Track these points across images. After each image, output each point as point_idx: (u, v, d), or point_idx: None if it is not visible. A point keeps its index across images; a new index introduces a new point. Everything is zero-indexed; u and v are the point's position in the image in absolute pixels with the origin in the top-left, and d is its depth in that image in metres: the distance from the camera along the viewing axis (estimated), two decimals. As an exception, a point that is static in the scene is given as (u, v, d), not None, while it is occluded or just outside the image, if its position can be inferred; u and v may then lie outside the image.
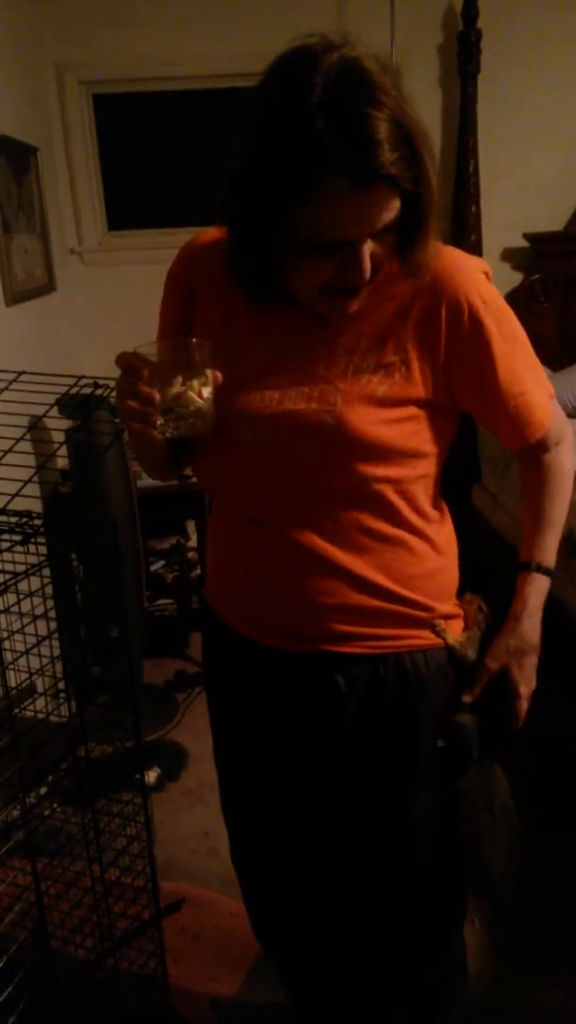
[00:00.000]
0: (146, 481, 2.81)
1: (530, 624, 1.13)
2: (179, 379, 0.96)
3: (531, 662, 1.13)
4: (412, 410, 1.01)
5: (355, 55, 0.88)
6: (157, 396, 0.94)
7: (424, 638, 1.09)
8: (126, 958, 1.56)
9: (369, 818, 1.15)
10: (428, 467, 1.06)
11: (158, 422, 0.96)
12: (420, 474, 1.05)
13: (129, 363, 0.95)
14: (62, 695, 1.54)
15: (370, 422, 0.98)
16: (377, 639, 1.07)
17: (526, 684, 1.13)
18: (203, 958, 1.77)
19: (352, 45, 0.89)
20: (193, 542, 3.11)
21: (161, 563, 3.07)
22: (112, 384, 1.55)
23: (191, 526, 3.14)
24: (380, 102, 0.84)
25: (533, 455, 1.13)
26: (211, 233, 1.11)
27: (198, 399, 0.96)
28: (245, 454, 1.04)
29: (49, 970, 1.43)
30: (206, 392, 0.96)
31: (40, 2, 2.86)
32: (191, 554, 3.10)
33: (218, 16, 2.99)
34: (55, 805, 1.83)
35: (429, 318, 1.00)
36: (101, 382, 1.56)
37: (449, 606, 1.13)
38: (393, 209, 0.88)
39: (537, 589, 1.14)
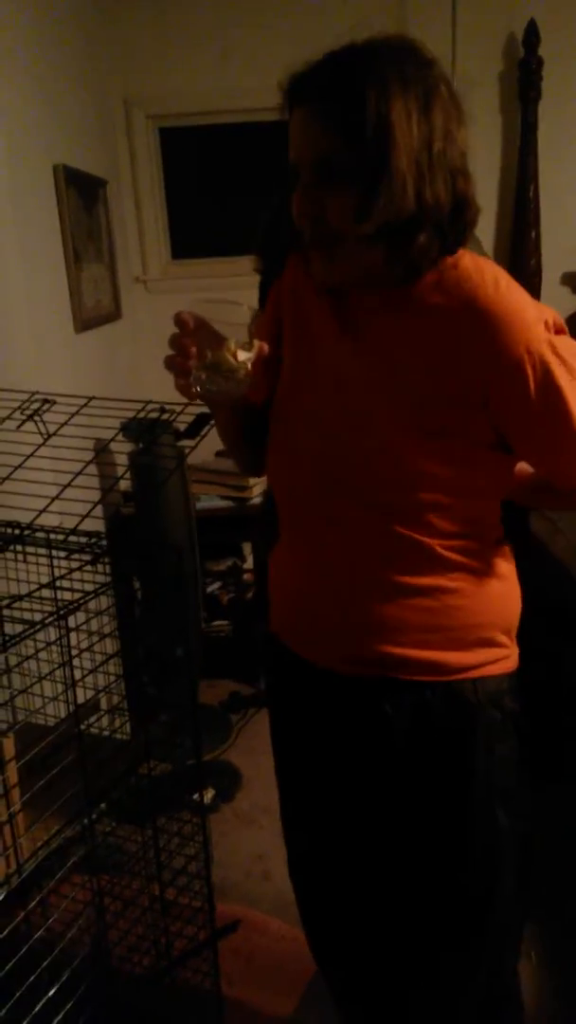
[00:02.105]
0: (204, 503, 2.86)
1: None
2: (221, 339, 0.96)
3: None
4: (459, 444, 1.01)
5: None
6: (194, 349, 0.96)
7: (477, 667, 1.08)
8: (181, 977, 1.57)
9: (422, 841, 1.14)
10: (482, 496, 1.06)
11: (190, 377, 0.98)
12: (472, 501, 1.04)
13: (178, 317, 0.98)
14: (124, 713, 1.57)
15: (414, 452, 0.99)
16: (427, 667, 1.06)
17: None
18: (256, 981, 1.77)
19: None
20: (249, 564, 3.14)
21: (217, 584, 3.10)
22: (177, 408, 1.60)
23: (247, 548, 3.17)
24: (346, 54, 0.97)
25: None
26: None
27: (232, 360, 0.95)
28: (309, 458, 1.08)
29: (109, 987, 1.45)
30: (242, 355, 0.96)
31: (109, 40, 2.97)
32: (247, 576, 3.13)
33: (279, 51, 3.04)
34: (112, 823, 1.85)
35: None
36: (167, 407, 1.60)
37: (506, 636, 1.11)
38: (327, 142, 0.94)
39: None
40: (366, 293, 1.05)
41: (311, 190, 0.98)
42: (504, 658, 1.10)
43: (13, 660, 1.17)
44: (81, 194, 2.47)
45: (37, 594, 1.16)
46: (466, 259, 1.01)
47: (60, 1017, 1.20)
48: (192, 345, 0.96)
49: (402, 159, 0.92)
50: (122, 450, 1.99)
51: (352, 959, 1.30)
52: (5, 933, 1.15)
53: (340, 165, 0.95)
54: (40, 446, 1.50)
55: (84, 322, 2.42)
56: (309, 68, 1.00)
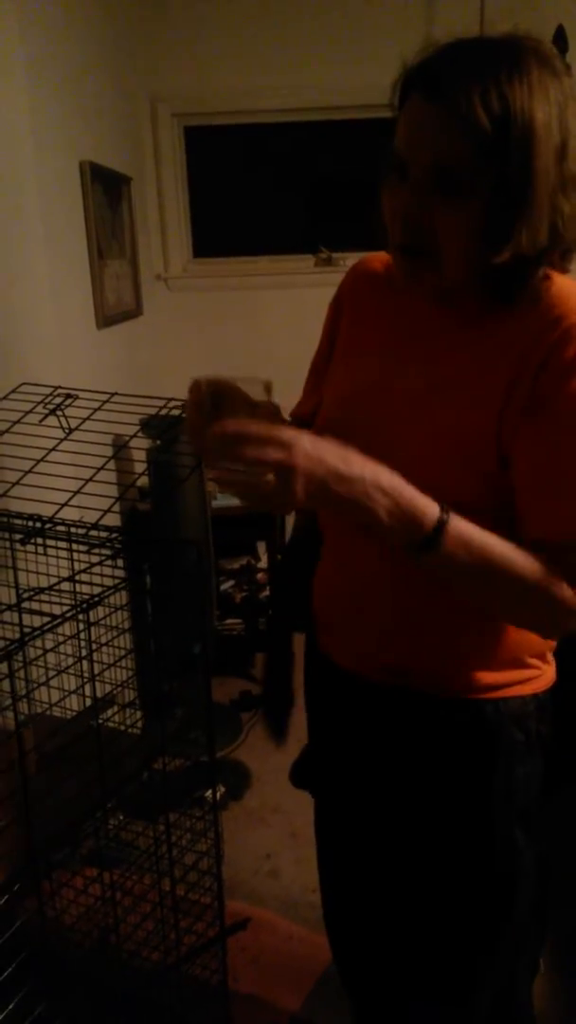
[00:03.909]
0: (220, 502, 2.86)
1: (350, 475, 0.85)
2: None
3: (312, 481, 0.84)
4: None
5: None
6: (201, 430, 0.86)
7: (501, 687, 1.06)
8: (190, 973, 1.57)
9: (440, 853, 1.13)
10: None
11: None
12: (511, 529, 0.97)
13: (191, 390, 0.93)
14: (137, 708, 1.58)
15: (450, 481, 0.93)
16: (449, 683, 1.05)
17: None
18: (263, 979, 1.77)
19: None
20: (263, 563, 3.15)
21: (231, 583, 3.11)
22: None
23: (261, 547, 3.18)
24: (488, 46, 0.85)
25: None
26: (375, 253, 1.12)
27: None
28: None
29: (118, 980, 1.46)
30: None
31: (137, 38, 2.99)
32: (260, 575, 3.13)
33: (305, 51, 3.06)
34: (122, 817, 1.86)
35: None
36: (188, 405, 1.61)
37: (537, 658, 1.08)
38: (453, 147, 0.82)
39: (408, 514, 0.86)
40: (437, 305, 0.99)
41: (422, 195, 0.87)
42: (532, 679, 1.07)
43: (33, 652, 1.17)
44: (106, 191, 2.48)
45: (55, 588, 1.17)
46: (559, 283, 0.92)
47: (67, 1009, 1.21)
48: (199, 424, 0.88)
49: (544, 184, 0.83)
50: (140, 446, 2.00)
51: (370, 966, 1.30)
52: (17, 925, 1.16)
53: (465, 178, 0.84)
54: (62, 440, 1.51)
55: (106, 318, 2.43)
56: (441, 53, 0.86)
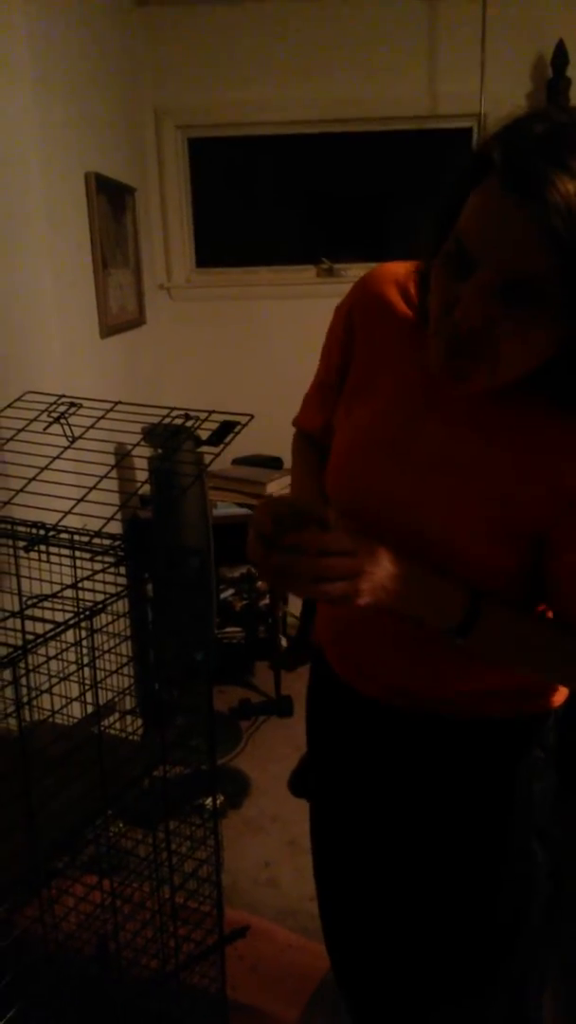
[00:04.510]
0: (221, 510, 2.87)
1: (411, 578, 0.90)
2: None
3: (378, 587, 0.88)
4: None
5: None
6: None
7: (520, 707, 1.05)
8: (187, 982, 1.57)
9: (454, 869, 1.12)
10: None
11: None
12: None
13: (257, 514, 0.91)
14: (137, 715, 1.58)
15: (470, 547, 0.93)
16: (469, 706, 1.04)
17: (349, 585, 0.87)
18: (261, 988, 1.77)
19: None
20: (263, 572, 3.15)
21: (231, 591, 3.11)
22: (201, 416, 1.61)
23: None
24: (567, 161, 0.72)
25: None
26: (387, 267, 1.07)
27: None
28: (363, 502, 1.01)
29: (117, 988, 1.46)
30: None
31: (143, 52, 3.02)
32: (260, 583, 3.14)
33: (309, 64, 3.09)
34: (121, 824, 1.86)
35: None
36: (192, 414, 1.62)
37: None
38: (534, 258, 0.74)
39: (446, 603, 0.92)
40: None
41: (486, 300, 0.79)
42: (551, 693, 1.07)
43: (36, 659, 1.18)
44: (111, 201, 2.50)
45: (58, 595, 1.17)
46: None
47: (67, 1017, 1.21)
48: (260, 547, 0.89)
49: None
50: (142, 454, 2.01)
51: (369, 977, 1.30)
52: (17, 933, 1.16)
53: (545, 295, 0.76)
54: (66, 448, 1.52)
55: (109, 328, 2.45)
56: (537, 143, 0.74)
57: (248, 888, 2.11)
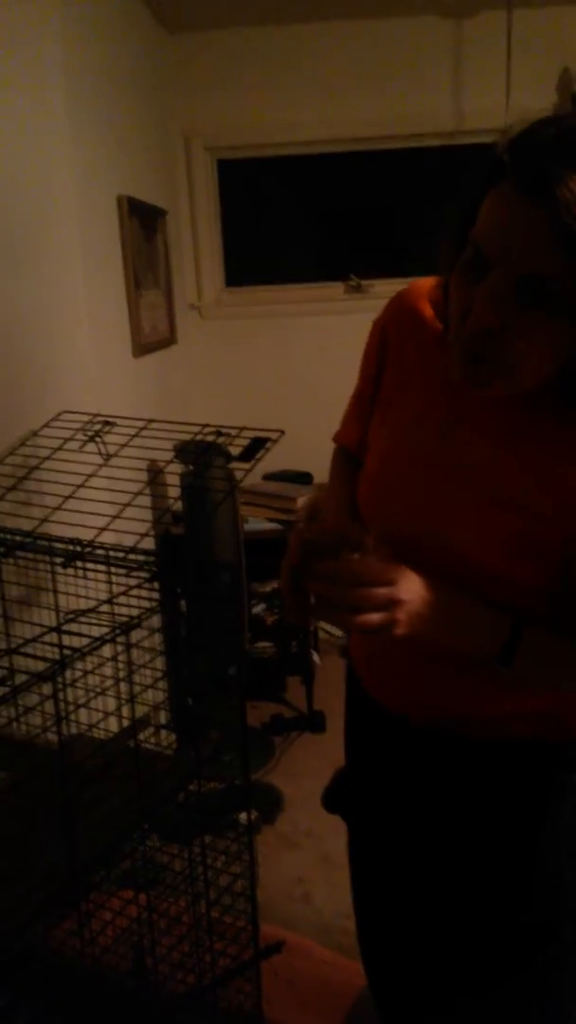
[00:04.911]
0: (252, 526, 2.89)
1: (449, 608, 0.90)
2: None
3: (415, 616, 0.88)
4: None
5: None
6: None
7: (553, 732, 1.04)
8: (223, 997, 1.57)
9: (483, 888, 1.11)
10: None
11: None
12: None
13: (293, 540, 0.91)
14: (171, 730, 1.59)
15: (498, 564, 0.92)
16: (500, 729, 1.03)
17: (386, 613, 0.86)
18: (296, 1004, 1.77)
19: None
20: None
21: (262, 606, 3.12)
22: (232, 432, 1.64)
23: (293, 571, 3.19)
24: None
25: None
26: (421, 282, 1.07)
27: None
28: (395, 520, 1.00)
29: (152, 1002, 1.47)
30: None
31: (173, 75, 3.08)
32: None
33: (335, 84, 3.13)
34: (155, 838, 1.87)
35: None
36: (223, 431, 1.64)
37: None
38: (547, 258, 0.74)
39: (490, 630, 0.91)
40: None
41: (499, 301, 0.79)
42: None
43: (72, 674, 1.20)
44: (142, 223, 2.55)
45: (96, 610, 1.19)
46: None
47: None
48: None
49: None
50: (173, 471, 2.04)
51: (405, 995, 1.29)
52: (55, 946, 1.17)
53: (559, 295, 0.76)
54: (101, 466, 1.55)
55: (142, 347, 2.49)
56: (548, 143, 0.75)
57: (282, 904, 2.10)
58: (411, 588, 0.86)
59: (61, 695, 1.16)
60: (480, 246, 0.80)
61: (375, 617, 0.84)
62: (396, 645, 1.05)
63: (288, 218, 3.40)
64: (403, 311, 1.08)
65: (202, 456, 1.99)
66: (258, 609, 3.12)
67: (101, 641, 1.08)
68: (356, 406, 1.22)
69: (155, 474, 1.86)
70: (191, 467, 2.20)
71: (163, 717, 1.61)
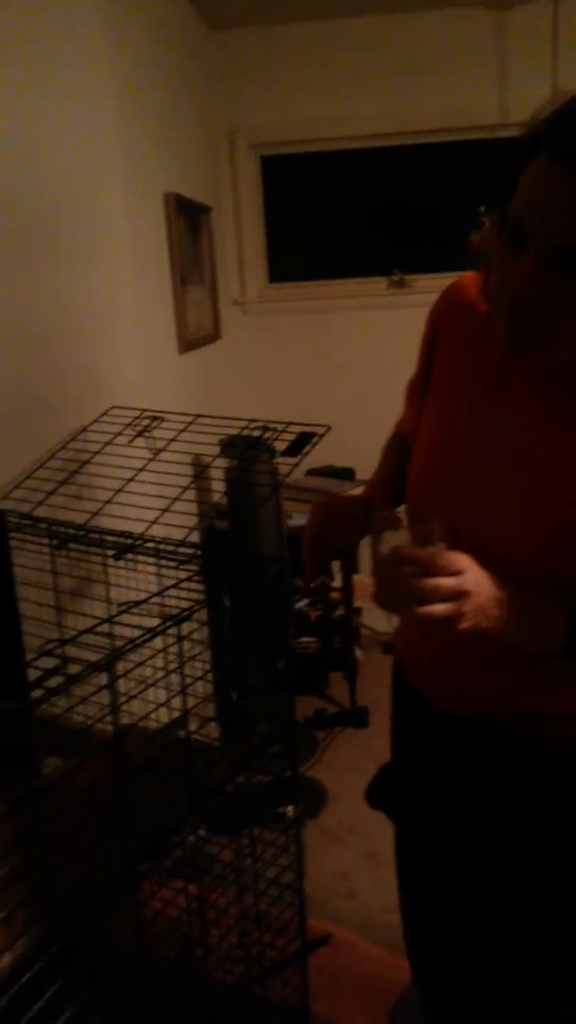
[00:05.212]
0: (295, 521, 2.89)
1: (512, 602, 0.89)
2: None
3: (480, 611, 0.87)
4: None
5: None
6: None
7: None
8: (270, 989, 1.58)
9: (515, 884, 1.11)
10: None
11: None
12: None
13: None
14: (217, 721, 1.61)
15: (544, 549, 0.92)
16: (534, 726, 1.03)
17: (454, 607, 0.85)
18: (341, 999, 1.77)
19: None
20: (337, 582, 3.16)
21: (305, 602, 3.13)
22: (279, 427, 1.64)
23: (335, 566, 3.19)
24: None
25: None
26: (471, 274, 1.08)
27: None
28: (443, 507, 1.00)
29: (202, 993, 1.48)
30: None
31: (218, 73, 3.10)
32: (334, 594, 3.14)
33: (378, 79, 3.12)
34: (202, 831, 1.89)
35: None
36: (270, 425, 1.65)
37: None
38: None
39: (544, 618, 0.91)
40: (540, 368, 0.93)
41: (541, 272, 0.81)
42: None
43: (123, 666, 1.21)
44: (188, 221, 2.56)
45: (148, 601, 1.21)
46: None
47: (153, 1020, 1.23)
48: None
49: None
50: (218, 465, 2.05)
51: (456, 991, 1.29)
52: (105, 935, 1.18)
53: None
54: (150, 460, 1.57)
55: (187, 343, 2.50)
56: None
57: (326, 898, 2.11)
58: (477, 580, 0.85)
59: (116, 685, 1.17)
60: (517, 220, 0.82)
61: (440, 608, 0.83)
62: (443, 641, 1.05)
63: (331, 213, 3.39)
64: (453, 302, 1.09)
65: (248, 451, 2.00)
66: (301, 604, 3.13)
67: (155, 632, 1.09)
68: (411, 395, 1.22)
69: (202, 469, 1.87)
70: (236, 462, 2.21)
71: (209, 710, 1.62)
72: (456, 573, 0.83)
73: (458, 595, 0.83)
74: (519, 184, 0.82)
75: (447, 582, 0.83)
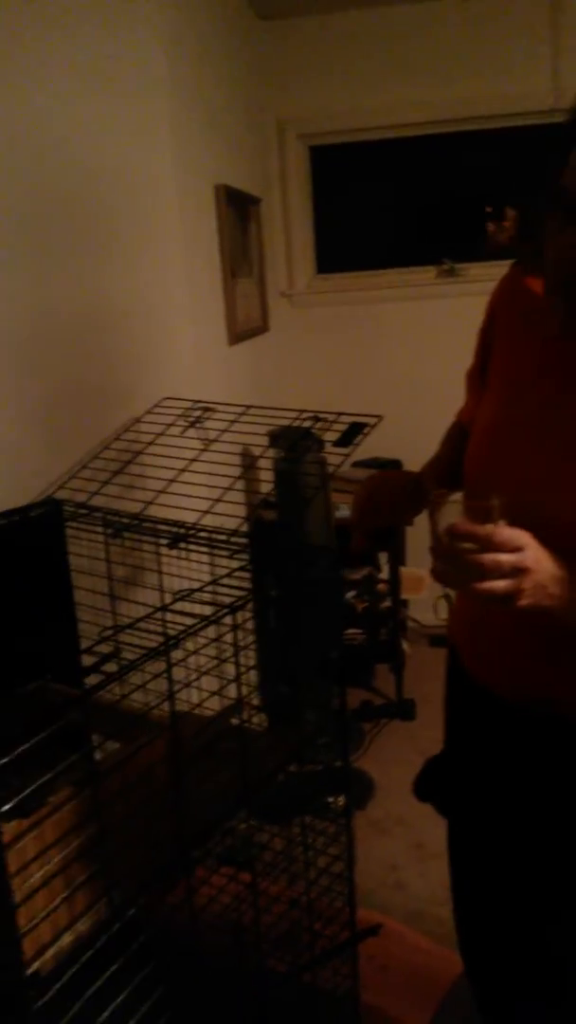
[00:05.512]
0: (343, 512, 2.89)
1: (572, 581, 0.89)
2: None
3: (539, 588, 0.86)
4: None
5: None
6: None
7: None
8: (320, 977, 1.59)
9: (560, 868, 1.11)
10: None
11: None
12: None
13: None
14: (265, 712, 1.61)
15: None
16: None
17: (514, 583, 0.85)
18: (391, 989, 1.77)
19: None
20: (384, 574, 3.15)
21: (352, 593, 3.12)
22: (330, 418, 1.64)
23: (383, 558, 3.19)
24: None
25: None
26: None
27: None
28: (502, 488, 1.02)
29: (251, 980, 1.49)
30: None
31: (266, 64, 3.09)
32: (381, 586, 3.14)
33: (428, 66, 3.09)
34: (251, 820, 1.90)
35: None
36: (320, 416, 1.65)
37: None
38: None
39: None
40: None
41: None
42: None
43: (180, 654, 1.23)
44: (237, 212, 2.57)
45: (203, 590, 1.22)
46: None
47: (204, 1005, 1.25)
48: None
49: None
50: (267, 455, 2.06)
51: (507, 982, 1.28)
52: (161, 921, 1.20)
53: None
54: (203, 451, 1.58)
55: (236, 335, 2.51)
56: None
57: (374, 889, 2.11)
58: (537, 557, 0.84)
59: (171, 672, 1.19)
60: (569, 191, 0.83)
61: (500, 584, 0.83)
62: (502, 626, 1.04)
63: (379, 203, 3.37)
64: (510, 287, 1.10)
65: (298, 442, 2.00)
66: (348, 596, 3.13)
67: (211, 620, 1.10)
68: (469, 385, 1.22)
69: (253, 459, 1.88)
70: (284, 453, 2.22)
71: (255, 699, 1.63)
72: (516, 550, 0.83)
73: (518, 572, 0.82)
74: (569, 162, 0.84)
75: (507, 558, 0.82)
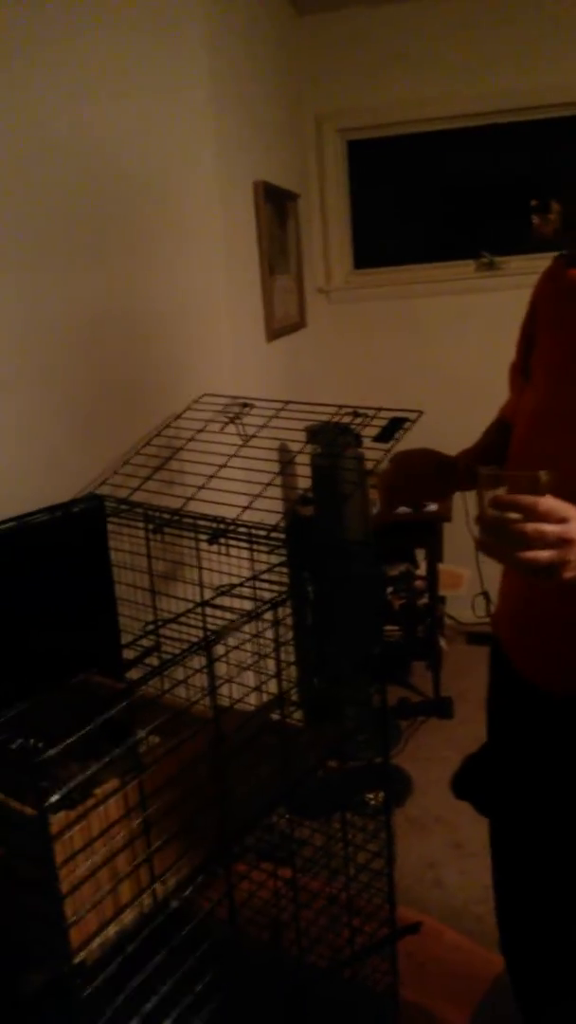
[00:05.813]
0: (378, 508, 2.88)
1: None
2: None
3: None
4: None
5: None
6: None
7: None
8: (359, 973, 1.59)
9: None
10: None
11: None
12: None
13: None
14: (303, 707, 1.61)
15: None
16: None
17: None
18: (429, 987, 1.76)
19: None
20: (422, 570, 3.13)
21: (389, 590, 3.11)
22: (369, 413, 1.63)
23: (420, 554, 3.17)
24: None
25: None
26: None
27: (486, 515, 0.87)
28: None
29: (293, 976, 1.49)
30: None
31: (304, 59, 3.08)
32: (418, 582, 3.12)
33: (466, 58, 3.05)
34: (288, 816, 1.90)
35: None
36: (360, 411, 1.64)
37: None
38: None
39: None
40: None
41: None
42: None
43: (220, 649, 1.23)
44: (276, 208, 2.56)
45: (244, 584, 1.22)
46: None
47: (244, 999, 1.25)
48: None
49: None
50: (305, 451, 2.06)
51: (550, 980, 1.27)
52: (202, 914, 1.21)
53: None
54: (242, 446, 1.59)
55: (274, 331, 2.51)
56: None
57: (412, 886, 2.10)
58: None
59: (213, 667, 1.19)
60: None
61: (544, 554, 0.82)
62: (552, 618, 1.03)
63: (417, 196, 3.34)
64: (552, 279, 1.10)
65: (337, 438, 1.99)
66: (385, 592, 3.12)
67: (252, 616, 1.11)
68: (512, 378, 1.21)
69: (291, 455, 1.88)
70: (322, 449, 2.21)
71: (293, 695, 1.63)
72: (562, 520, 0.82)
73: (562, 542, 0.81)
74: None
75: (552, 528, 0.81)
